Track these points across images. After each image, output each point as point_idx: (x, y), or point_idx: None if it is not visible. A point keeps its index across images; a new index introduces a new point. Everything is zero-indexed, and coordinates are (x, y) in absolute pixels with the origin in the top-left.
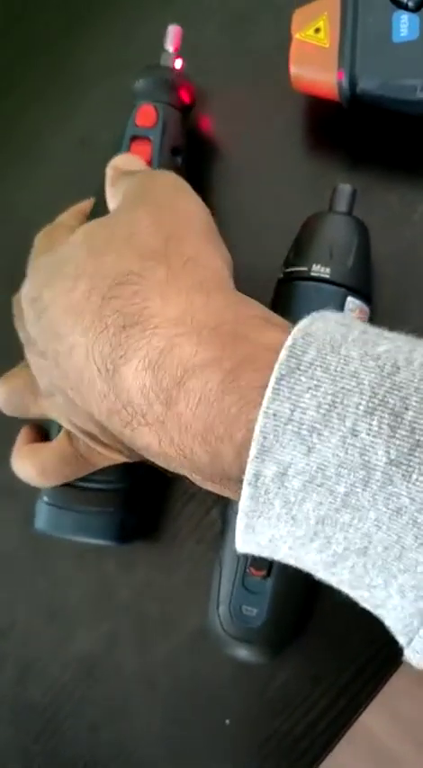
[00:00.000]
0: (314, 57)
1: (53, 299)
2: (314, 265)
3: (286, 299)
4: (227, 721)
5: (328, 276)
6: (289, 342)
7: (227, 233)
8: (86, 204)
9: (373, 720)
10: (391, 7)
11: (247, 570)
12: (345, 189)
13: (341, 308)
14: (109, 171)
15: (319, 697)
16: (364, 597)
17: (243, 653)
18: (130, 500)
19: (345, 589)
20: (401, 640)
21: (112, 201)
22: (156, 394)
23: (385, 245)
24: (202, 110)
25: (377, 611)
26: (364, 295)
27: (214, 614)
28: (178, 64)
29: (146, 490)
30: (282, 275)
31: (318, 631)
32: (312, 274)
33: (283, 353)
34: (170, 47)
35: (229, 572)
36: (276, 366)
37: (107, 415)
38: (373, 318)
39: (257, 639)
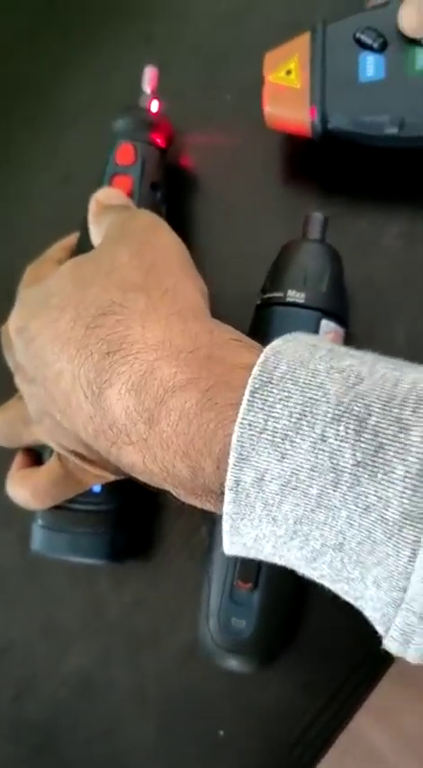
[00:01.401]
0: (286, 97)
1: (40, 330)
2: (289, 291)
3: (264, 324)
4: (220, 732)
5: (302, 301)
6: (261, 359)
7: (207, 262)
8: (72, 238)
9: (365, 727)
10: (357, 49)
11: (235, 583)
12: (317, 217)
13: (316, 330)
14: (92, 205)
15: (309, 705)
16: (345, 590)
17: (233, 663)
18: (119, 520)
19: (326, 583)
20: (380, 629)
21: (95, 236)
22: (139, 414)
23: (358, 269)
24: (182, 146)
25: (357, 603)
26: (339, 317)
27: (205, 627)
28: (155, 104)
29: (135, 510)
30: (259, 301)
31: (306, 642)
32: (288, 300)
33: (256, 369)
34: (147, 87)
35: (217, 586)
36: (250, 380)
37: (94, 435)
38: (349, 340)
39: (247, 650)
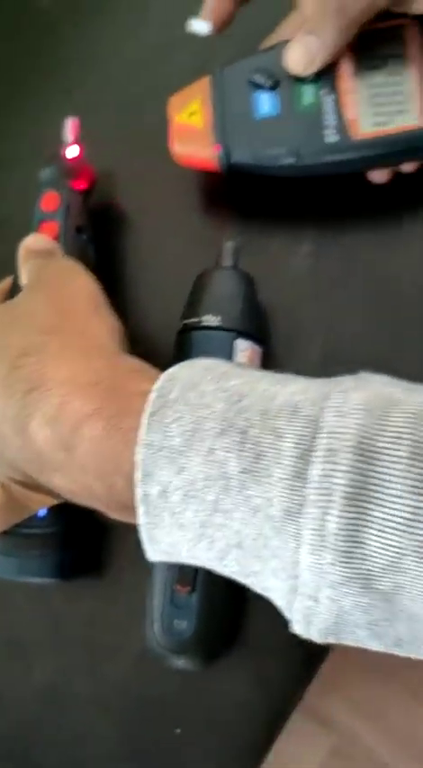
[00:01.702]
0: (192, 136)
1: None
2: (204, 316)
3: (184, 348)
4: (177, 731)
5: (218, 324)
6: (158, 385)
7: (135, 293)
8: (6, 283)
9: (360, 729)
10: (252, 88)
11: (174, 588)
12: (228, 245)
13: (231, 349)
14: (20, 251)
15: (259, 695)
16: (254, 583)
17: (180, 663)
18: (66, 541)
19: (239, 579)
20: (287, 615)
21: (22, 280)
22: (57, 443)
23: (272, 290)
24: (107, 187)
25: (267, 594)
26: (254, 336)
27: (150, 632)
28: (76, 151)
29: (81, 531)
30: (180, 327)
31: (252, 638)
32: (203, 323)
33: (152, 395)
34: (69, 137)
35: (159, 592)
36: (147, 405)
37: (25, 464)
38: (270, 358)
39: (190, 648)
